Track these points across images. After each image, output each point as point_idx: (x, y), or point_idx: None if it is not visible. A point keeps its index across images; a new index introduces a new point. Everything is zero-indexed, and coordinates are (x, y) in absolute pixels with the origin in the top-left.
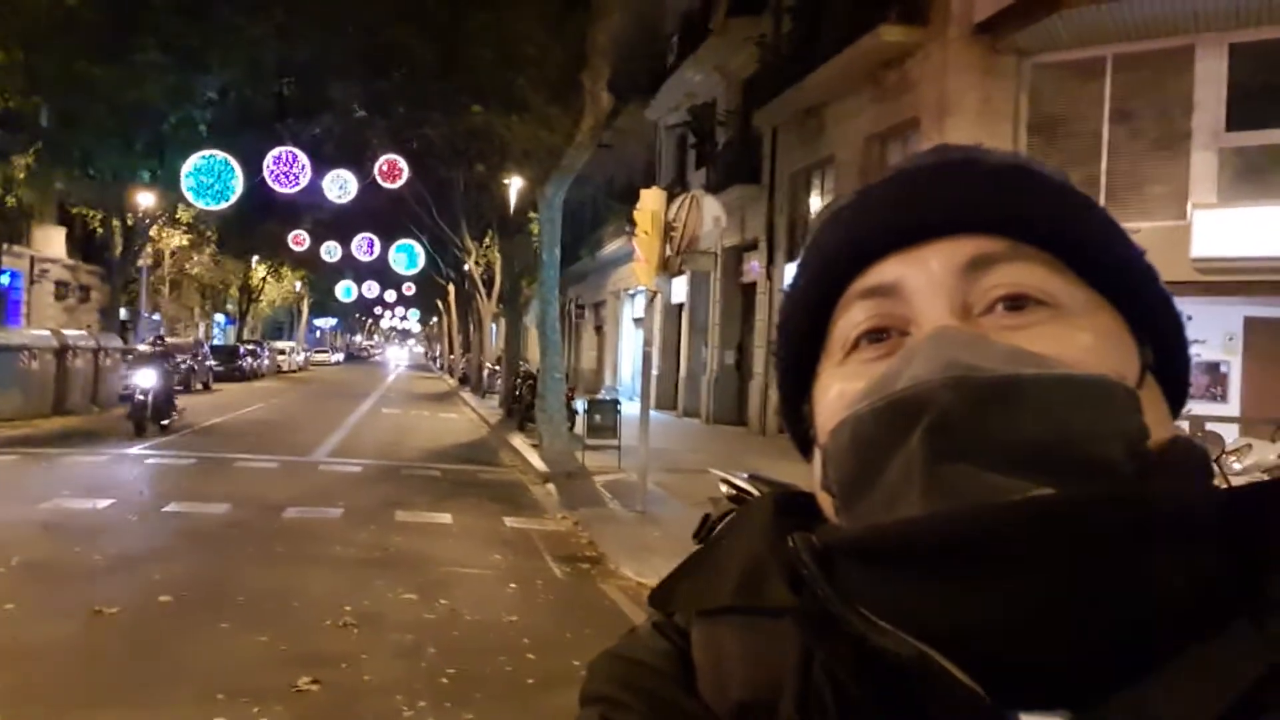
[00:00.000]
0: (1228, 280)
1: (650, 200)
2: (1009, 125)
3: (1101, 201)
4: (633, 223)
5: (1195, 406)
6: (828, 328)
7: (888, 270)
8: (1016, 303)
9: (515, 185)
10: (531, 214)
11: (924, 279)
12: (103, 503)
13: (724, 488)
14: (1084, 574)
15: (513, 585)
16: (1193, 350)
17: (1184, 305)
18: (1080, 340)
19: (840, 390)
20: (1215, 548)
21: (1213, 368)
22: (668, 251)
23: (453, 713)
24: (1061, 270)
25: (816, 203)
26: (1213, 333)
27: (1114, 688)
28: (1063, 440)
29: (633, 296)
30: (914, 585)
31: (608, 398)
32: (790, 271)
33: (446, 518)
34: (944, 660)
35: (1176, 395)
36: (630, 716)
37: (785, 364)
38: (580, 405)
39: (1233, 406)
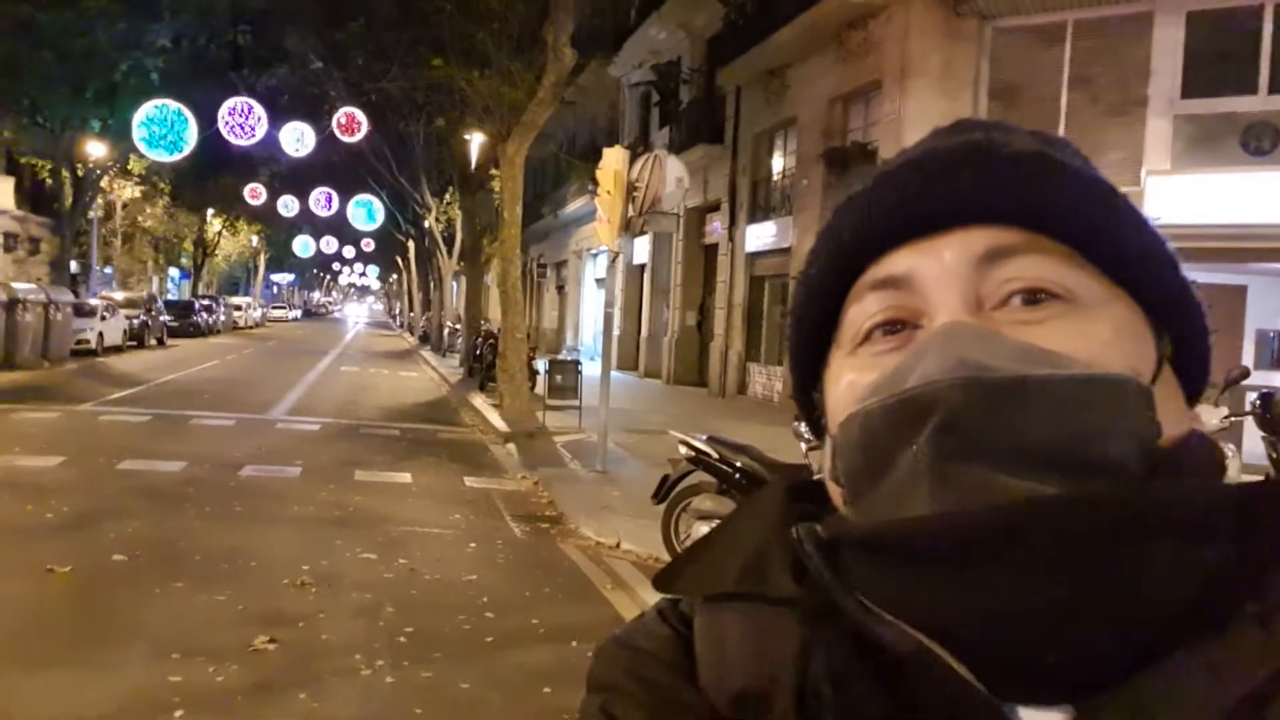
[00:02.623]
0: (1180, 247)
1: (613, 159)
2: (969, 90)
3: None
4: (595, 181)
5: None
6: (839, 316)
7: (901, 261)
8: (1032, 297)
9: (476, 141)
10: (493, 171)
11: (937, 271)
12: (55, 460)
13: (683, 449)
14: (1083, 574)
15: (472, 545)
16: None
17: None
18: (1096, 335)
19: (851, 381)
20: (1220, 547)
21: None
22: (630, 211)
23: (411, 671)
24: (1079, 262)
25: (779, 164)
26: None
27: (1114, 684)
28: (1072, 441)
29: (595, 256)
30: (918, 581)
31: (569, 358)
32: (753, 234)
33: (406, 477)
34: (943, 653)
35: (1195, 382)
36: (630, 706)
37: (797, 350)
38: (541, 365)
39: None
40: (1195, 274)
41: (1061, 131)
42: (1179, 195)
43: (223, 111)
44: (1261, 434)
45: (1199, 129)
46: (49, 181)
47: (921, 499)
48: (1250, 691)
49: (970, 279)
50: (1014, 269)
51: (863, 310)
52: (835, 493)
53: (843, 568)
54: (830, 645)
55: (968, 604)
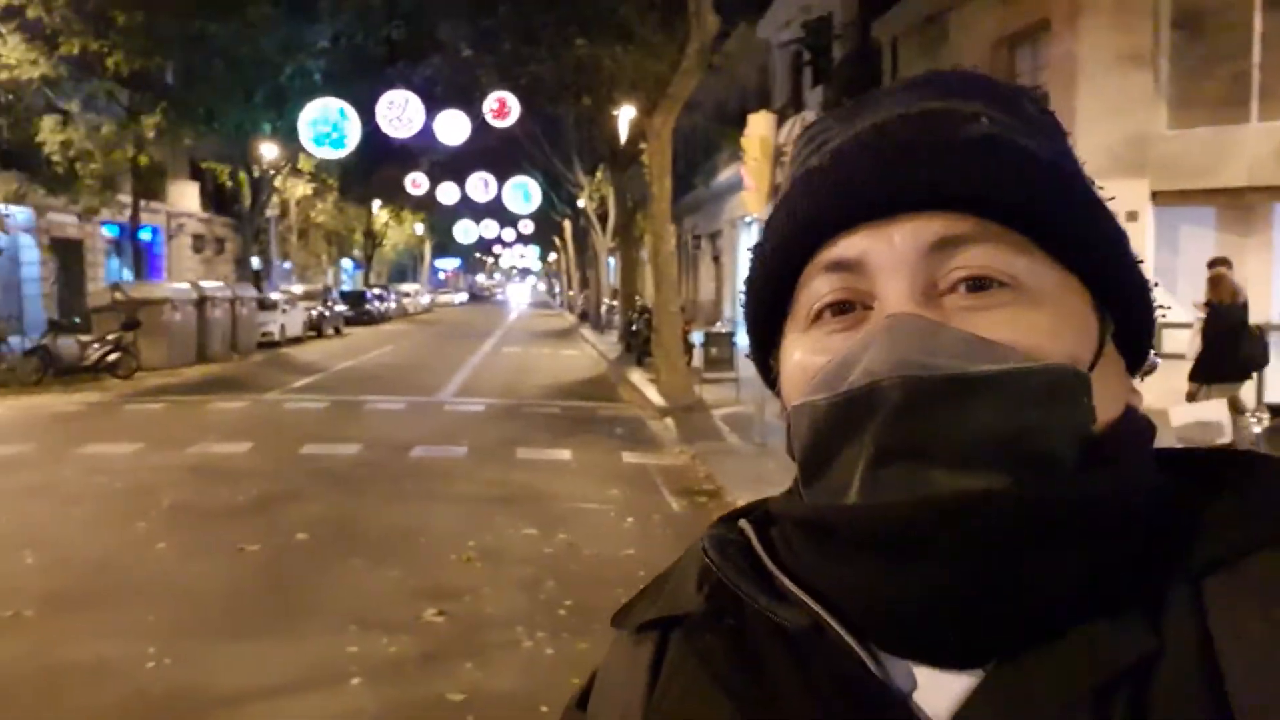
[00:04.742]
0: None
1: (759, 125)
2: (1149, 20)
3: (1253, 100)
4: (743, 149)
5: None
6: (793, 290)
7: (853, 245)
8: (979, 284)
9: (625, 117)
10: (642, 145)
11: (888, 257)
12: (244, 446)
13: None
14: (989, 569)
15: (630, 519)
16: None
17: None
18: (1038, 323)
19: (800, 361)
20: (1130, 534)
21: None
22: (778, 178)
23: (569, 642)
24: (1028, 249)
25: None
26: None
27: (1004, 655)
28: (1009, 436)
29: (749, 225)
30: (841, 564)
31: (724, 330)
32: None
33: (566, 454)
34: (838, 627)
35: (1140, 355)
36: None
37: (752, 321)
38: (697, 338)
39: None
40: None
41: (1255, 60)
42: None
43: (381, 105)
44: None
45: None
46: (228, 184)
47: (854, 492)
48: (1111, 677)
49: (920, 266)
50: (963, 258)
51: (815, 291)
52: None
53: (776, 543)
54: (737, 633)
55: (884, 587)
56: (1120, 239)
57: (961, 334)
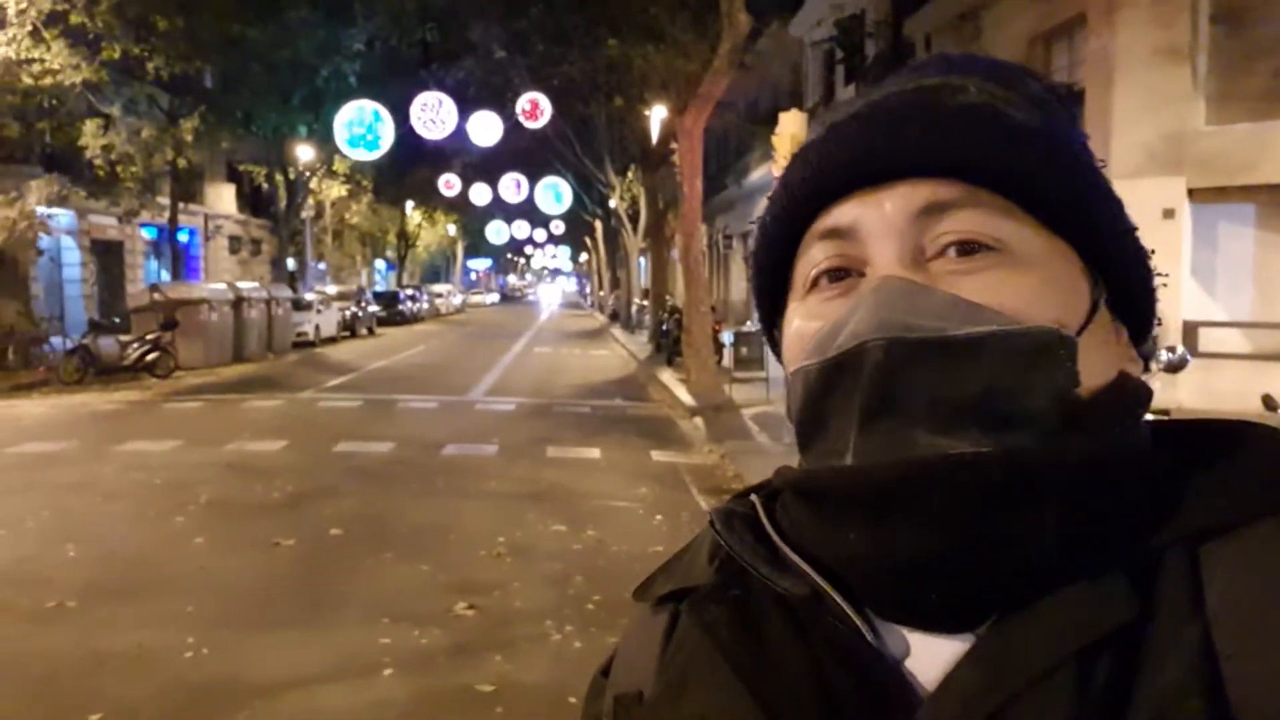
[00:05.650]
0: None
1: (789, 123)
2: (1187, 15)
3: None
4: (774, 148)
5: None
6: (794, 261)
7: (846, 212)
8: (966, 248)
9: (656, 117)
10: (673, 145)
11: (879, 224)
12: (279, 444)
13: None
14: (973, 528)
15: (659, 517)
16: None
17: None
18: (1023, 286)
19: (798, 328)
20: (1114, 498)
21: None
22: None
23: (597, 636)
24: (1015, 214)
25: None
26: None
27: (990, 619)
28: (991, 396)
29: None
30: (834, 526)
31: (755, 329)
32: None
33: (595, 453)
34: (834, 594)
35: (1142, 322)
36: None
37: (758, 293)
38: (727, 338)
39: None
40: None
41: None
42: None
43: (414, 107)
44: None
45: None
46: (265, 186)
47: (845, 453)
48: (1097, 637)
49: (909, 231)
50: (951, 223)
51: (811, 259)
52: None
53: (779, 514)
54: (741, 603)
55: (870, 548)
56: (1113, 206)
57: (946, 296)
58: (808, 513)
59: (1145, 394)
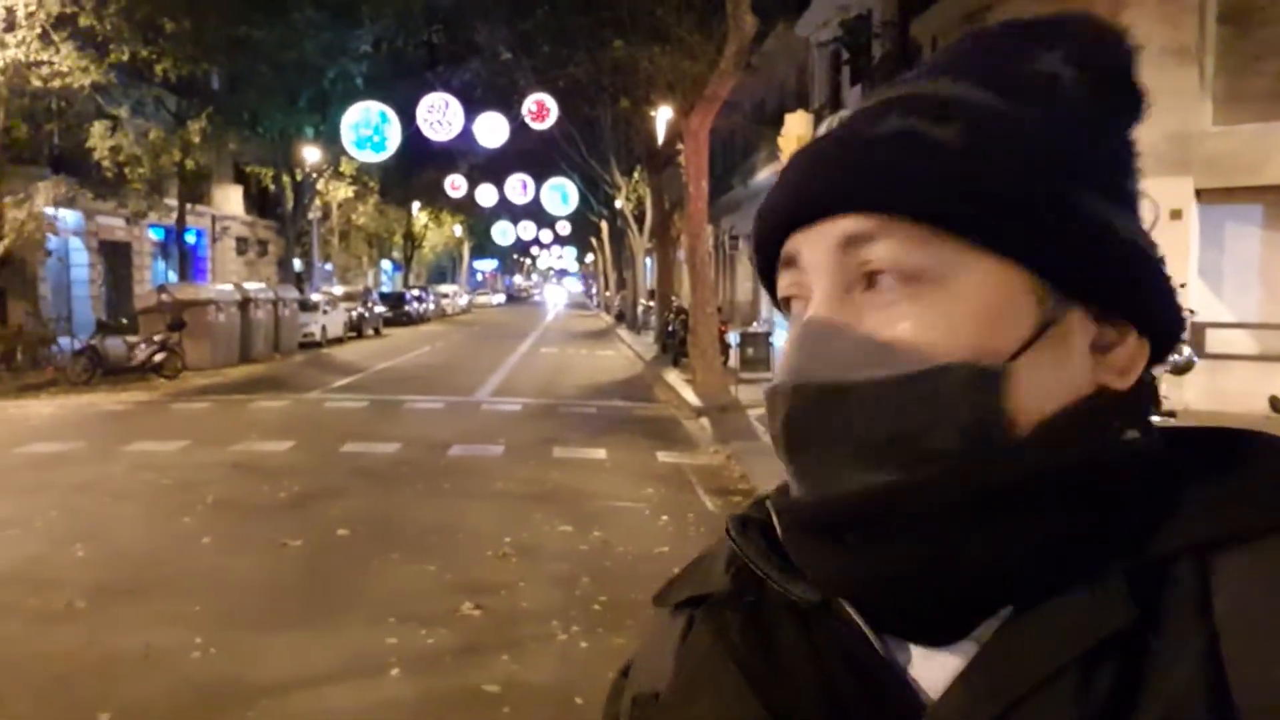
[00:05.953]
0: None
1: (795, 125)
2: (1194, 14)
3: None
4: (781, 149)
5: None
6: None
7: (793, 245)
8: (885, 280)
9: (662, 118)
10: (679, 146)
11: (812, 257)
12: (286, 444)
13: None
14: (887, 553)
15: (664, 518)
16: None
17: None
18: (939, 317)
19: (783, 345)
20: (1087, 505)
21: None
22: None
23: (604, 637)
24: (936, 240)
25: None
26: None
27: (970, 633)
28: (896, 436)
29: None
30: (804, 550)
31: (761, 330)
32: None
33: (601, 453)
34: (845, 603)
35: (1159, 327)
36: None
37: (769, 293)
38: (733, 338)
39: None
40: None
41: None
42: None
43: (421, 109)
44: None
45: None
46: (272, 187)
47: (790, 481)
48: (1095, 645)
49: (835, 265)
50: (866, 254)
51: (780, 283)
52: None
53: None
54: (754, 609)
55: (821, 572)
56: (1070, 215)
57: (856, 338)
58: (786, 537)
59: (1127, 407)
